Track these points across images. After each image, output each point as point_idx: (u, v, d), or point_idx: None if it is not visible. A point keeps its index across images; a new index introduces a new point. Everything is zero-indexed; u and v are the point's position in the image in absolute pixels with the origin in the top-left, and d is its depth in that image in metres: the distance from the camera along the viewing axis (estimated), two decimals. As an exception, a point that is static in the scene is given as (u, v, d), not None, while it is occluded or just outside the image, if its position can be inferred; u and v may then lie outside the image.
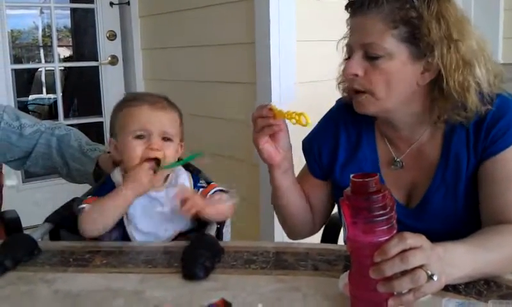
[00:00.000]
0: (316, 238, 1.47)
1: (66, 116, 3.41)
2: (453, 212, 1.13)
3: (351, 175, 0.83)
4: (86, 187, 1.40)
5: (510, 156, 1.08)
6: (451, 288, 0.90)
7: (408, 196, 1.20)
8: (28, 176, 3.20)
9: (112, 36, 3.06)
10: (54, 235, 1.30)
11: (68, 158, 1.52)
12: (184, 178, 1.28)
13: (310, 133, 1.35)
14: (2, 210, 1.82)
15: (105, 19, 3.06)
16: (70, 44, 5.09)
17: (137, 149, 1.21)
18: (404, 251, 0.79)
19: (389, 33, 1.07)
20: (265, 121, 1.15)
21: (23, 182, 3.18)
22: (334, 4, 2.36)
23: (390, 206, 0.81)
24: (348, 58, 1.15)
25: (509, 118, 1.09)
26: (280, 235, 2.23)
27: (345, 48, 1.18)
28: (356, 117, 1.21)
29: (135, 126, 1.22)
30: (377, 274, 0.79)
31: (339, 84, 1.28)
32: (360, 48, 1.10)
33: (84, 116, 3.62)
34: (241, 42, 2.34)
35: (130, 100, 1.29)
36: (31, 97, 5.81)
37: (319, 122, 1.35)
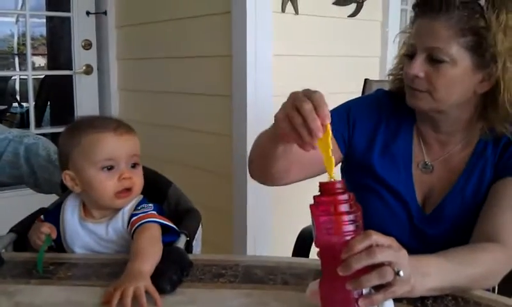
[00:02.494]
0: (287, 253, 1.47)
1: (38, 125, 3.35)
2: (467, 224, 1.13)
3: (319, 181, 0.84)
4: (54, 197, 1.37)
5: None
6: (419, 304, 0.90)
7: (424, 200, 1.21)
8: (-7, 185, 3.12)
9: (87, 46, 3.02)
10: (18, 246, 1.26)
11: (35, 167, 1.49)
12: (124, 211, 1.16)
13: (348, 102, 1.33)
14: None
15: (81, 28, 3.02)
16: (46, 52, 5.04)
17: (109, 183, 1.13)
18: (371, 246, 0.79)
19: (456, 40, 1.08)
20: (303, 131, 0.86)
21: (-12, 191, 3.10)
22: (311, 18, 2.40)
23: (356, 207, 0.82)
24: (408, 55, 1.16)
25: None
26: (253, 248, 2.23)
27: (404, 45, 1.22)
28: (397, 110, 1.25)
29: (101, 156, 1.13)
30: (345, 270, 0.79)
31: (390, 75, 1.31)
32: (424, 50, 1.12)
33: (56, 125, 3.56)
34: (218, 55, 2.34)
35: (88, 126, 1.16)
36: (3, 106, 5.73)
37: (359, 98, 1.38)
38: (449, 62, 1.09)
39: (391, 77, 1.31)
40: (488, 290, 1.02)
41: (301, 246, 1.48)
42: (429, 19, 1.11)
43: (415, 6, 1.17)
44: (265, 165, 1.16)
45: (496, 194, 1.11)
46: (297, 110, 0.85)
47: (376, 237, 0.81)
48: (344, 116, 1.30)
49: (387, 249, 0.81)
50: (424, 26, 1.13)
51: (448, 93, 1.12)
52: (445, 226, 1.17)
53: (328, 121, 0.84)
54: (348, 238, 0.80)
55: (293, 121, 0.86)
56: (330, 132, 0.85)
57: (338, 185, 0.82)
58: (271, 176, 1.20)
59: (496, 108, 1.12)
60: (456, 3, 1.08)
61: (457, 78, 1.11)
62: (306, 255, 1.46)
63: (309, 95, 0.86)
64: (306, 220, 1.37)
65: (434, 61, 1.10)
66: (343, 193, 0.82)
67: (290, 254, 1.51)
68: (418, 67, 1.12)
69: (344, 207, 0.81)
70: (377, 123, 1.28)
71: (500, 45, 1.07)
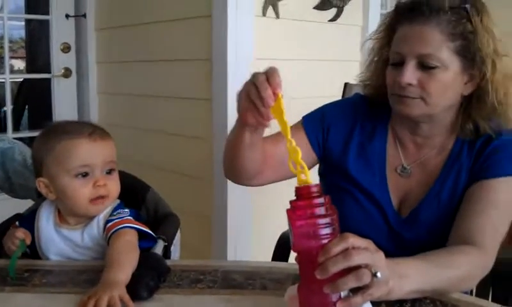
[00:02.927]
0: (268, 257, 1.46)
1: (15, 129, 3.30)
2: (443, 227, 1.13)
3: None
4: (29, 203, 1.34)
5: (498, 185, 1.10)
6: (398, 306, 0.90)
7: (400, 203, 1.21)
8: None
9: (66, 49, 2.98)
10: (-7, 252, 1.24)
11: (10, 172, 1.47)
12: (99, 217, 1.14)
13: (323, 106, 1.34)
14: None
15: (60, 31, 2.98)
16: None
17: (83, 191, 1.10)
18: (348, 249, 0.79)
19: (446, 45, 1.09)
20: (258, 101, 0.91)
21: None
22: (292, 22, 2.41)
23: (332, 210, 0.82)
24: (394, 64, 1.16)
25: (511, 151, 1.13)
26: (233, 252, 2.22)
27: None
28: (372, 112, 1.24)
29: (75, 163, 1.10)
30: (322, 273, 0.78)
31: (362, 81, 1.31)
32: (414, 57, 1.11)
33: (34, 129, 3.51)
34: (198, 58, 2.33)
35: (61, 132, 1.13)
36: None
37: (335, 102, 1.36)
38: (441, 67, 1.10)
39: (361, 84, 1.31)
40: (465, 292, 1.03)
41: (281, 250, 1.48)
42: (418, 25, 1.11)
43: (399, 13, 1.17)
44: (234, 159, 1.16)
45: (472, 198, 1.11)
46: (253, 85, 0.91)
47: (353, 240, 0.80)
48: (318, 120, 1.30)
49: (364, 251, 0.81)
50: (412, 33, 1.12)
51: (442, 98, 1.13)
52: (422, 230, 1.17)
53: (279, 89, 0.89)
54: (325, 241, 0.80)
55: (250, 95, 0.92)
56: (282, 100, 0.89)
57: (314, 189, 0.82)
58: (242, 172, 1.21)
59: (481, 107, 1.13)
60: (446, 8, 1.09)
61: (449, 82, 1.12)
62: (286, 259, 1.46)
63: (265, 70, 0.92)
64: (286, 225, 1.37)
65: (425, 67, 1.10)
66: (318, 196, 0.81)
67: (270, 258, 1.50)
68: (411, 75, 1.11)
69: (319, 210, 0.80)
70: (352, 126, 1.28)
71: (486, 48, 1.09)
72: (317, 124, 1.30)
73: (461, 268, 0.99)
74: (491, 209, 1.08)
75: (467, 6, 1.10)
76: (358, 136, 1.27)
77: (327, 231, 0.80)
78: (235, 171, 1.22)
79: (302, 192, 0.82)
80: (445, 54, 1.09)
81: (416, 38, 1.11)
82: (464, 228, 1.08)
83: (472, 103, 1.15)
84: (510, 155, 1.13)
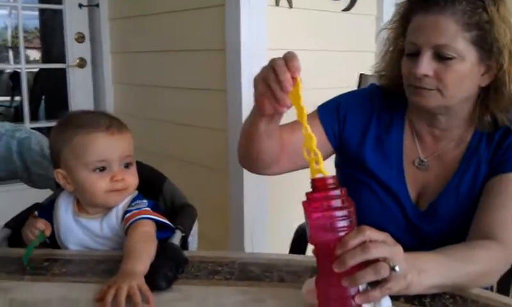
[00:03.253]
0: (284, 249, 1.46)
1: (32, 119, 3.32)
2: (462, 220, 1.13)
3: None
4: (48, 192, 1.36)
5: None
6: (417, 302, 0.89)
7: (419, 196, 1.21)
8: (-13, 180, 3.09)
9: (80, 38, 2.99)
10: (13, 241, 1.25)
11: (29, 162, 1.48)
12: (118, 207, 1.15)
13: (339, 96, 1.33)
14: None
15: (74, 21, 2.99)
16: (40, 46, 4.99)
17: (100, 184, 1.11)
18: (365, 242, 0.79)
19: (461, 35, 1.08)
20: (275, 87, 0.89)
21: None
22: (305, 12, 2.39)
23: (349, 202, 0.81)
24: (409, 55, 1.14)
25: None
26: (250, 244, 2.23)
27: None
28: (389, 103, 1.23)
29: (92, 157, 1.10)
30: (340, 266, 0.78)
31: (377, 72, 1.29)
32: (430, 48, 1.10)
33: (51, 119, 3.53)
34: (212, 48, 2.33)
35: (78, 125, 1.13)
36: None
37: (351, 92, 1.35)
38: (457, 58, 1.09)
39: (376, 75, 1.30)
40: (486, 288, 1.02)
41: (298, 243, 1.48)
42: (434, 15, 1.09)
43: (413, 2, 1.15)
44: (250, 147, 1.14)
45: (491, 191, 1.10)
46: (271, 69, 0.89)
47: (370, 232, 0.80)
48: (334, 110, 1.29)
49: (381, 244, 0.80)
50: (428, 22, 1.10)
51: (459, 89, 1.12)
52: (441, 223, 1.16)
53: (298, 74, 0.87)
54: (342, 234, 0.80)
55: (267, 79, 0.90)
56: (300, 84, 0.87)
57: (330, 181, 0.81)
58: (258, 161, 1.19)
59: (498, 99, 1.12)
60: None
61: (466, 73, 1.10)
62: (303, 252, 1.46)
63: (283, 55, 0.90)
64: (303, 216, 1.37)
65: (442, 58, 1.09)
66: (335, 189, 0.81)
67: (287, 250, 1.50)
68: (427, 66, 1.10)
69: (336, 203, 0.80)
70: (369, 117, 1.27)
71: (503, 38, 1.08)
72: (333, 114, 1.29)
73: (481, 262, 0.98)
74: (511, 203, 1.07)
75: None
76: (374, 127, 1.26)
77: (344, 223, 0.80)
78: (251, 160, 1.21)
79: (318, 184, 0.82)
80: (461, 44, 1.08)
81: (431, 28, 1.10)
82: (484, 223, 1.07)
83: (490, 94, 1.14)
84: None
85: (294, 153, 1.21)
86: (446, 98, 1.12)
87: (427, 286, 0.89)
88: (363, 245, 0.79)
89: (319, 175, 0.83)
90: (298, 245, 1.47)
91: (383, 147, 1.24)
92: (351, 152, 1.28)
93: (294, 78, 0.88)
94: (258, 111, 1.02)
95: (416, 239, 1.16)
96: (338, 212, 0.80)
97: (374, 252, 0.79)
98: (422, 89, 1.12)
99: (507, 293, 1.25)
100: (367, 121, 1.27)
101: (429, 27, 1.10)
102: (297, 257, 1.13)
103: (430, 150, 1.22)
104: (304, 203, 0.82)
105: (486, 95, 1.15)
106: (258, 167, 1.25)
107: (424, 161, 1.22)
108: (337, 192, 0.80)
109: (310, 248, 1.42)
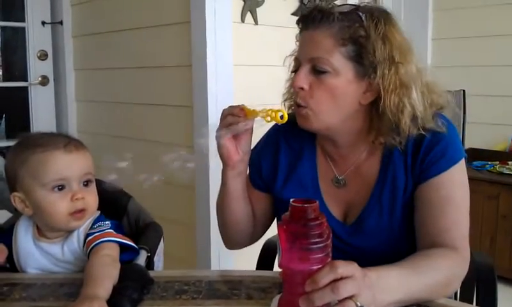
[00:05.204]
0: (251, 265, 1.45)
1: (-8, 139, 3.23)
2: (388, 231, 1.14)
3: (291, 200, 0.82)
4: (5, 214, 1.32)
5: (444, 181, 1.10)
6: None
7: (345, 213, 1.20)
8: None
9: (43, 56, 2.94)
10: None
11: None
12: (79, 230, 1.12)
13: (254, 146, 1.32)
14: None
15: (37, 38, 2.93)
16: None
17: (60, 205, 1.08)
18: (336, 280, 0.78)
19: (337, 50, 1.08)
20: (235, 119, 1.12)
21: None
22: (270, 29, 2.41)
23: (327, 235, 0.80)
24: (295, 71, 1.15)
25: (444, 144, 1.11)
26: (217, 260, 2.20)
27: (292, 63, 1.19)
28: (298, 132, 1.21)
29: (50, 176, 1.07)
30: (307, 304, 0.78)
31: (284, 101, 1.28)
32: (307, 62, 1.11)
33: (12, 138, 3.45)
34: (178, 65, 2.31)
35: (35, 144, 1.10)
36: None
37: (263, 135, 1.34)
38: (331, 72, 1.09)
39: (286, 104, 1.28)
40: (449, 297, 1.03)
41: (266, 258, 1.47)
42: (311, 30, 1.11)
43: (298, 22, 1.17)
44: (227, 219, 1.28)
45: (425, 200, 1.10)
46: (222, 121, 1.15)
47: (342, 271, 0.79)
48: (253, 165, 1.30)
49: (351, 281, 0.80)
50: (306, 37, 1.13)
51: (331, 106, 1.10)
52: (368, 237, 1.15)
53: (241, 106, 1.12)
54: (315, 267, 0.79)
55: (226, 124, 1.13)
56: (246, 107, 1.12)
57: (309, 211, 0.80)
58: (238, 231, 1.30)
59: (380, 118, 1.11)
60: (336, 14, 1.09)
61: (340, 89, 1.10)
62: (271, 267, 1.45)
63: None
64: (270, 231, 1.36)
65: (317, 72, 1.10)
66: (314, 219, 0.79)
67: (255, 265, 1.49)
68: (304, 78, 1.11)
69: (313, 236, 0.78)
70: (276, 150, 1.28)
71: (378, 54, 1.07)
72: (254, 168, 1.31)
73: (442, 271, 0.99)
74: (446, 206, 1.08)
75: (359, 12, 1.09)
76: (285, 157, 1.27)
77: (319, 255, 0.79)
78: (233, 234, 1.31)
79: (297, 213, 0.80)
80: (336, 59, 1.08)
81: (308, 42, 1.12)
82: (427, 232, 1.08)
83: (373, 113, 1.13)
84: (441, 150, 1.11)
85: (264, 219, 1.33)
86: (321, 116, 1.11)
87: (391, 302, 0.89)
88: (333, 284, 0.78)
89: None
90: (266, 259, 1.46)
91: (297, 174, 1.24)
92: (274, 193, 1.28)
93: (241, 109, 1.12)
94: (225, 166, 1.20)
95: (349, 255, 1.14)
96: (315, 246, 0.79)
97: (343, 293, 0.78)
98: (300, 108, 1.12)
99: (470, 301, 1.26)
100: (275, 152, 1.28)
101: (306, 42, 1.13)
102: (264, 273, 1.12)
103: (343, 167, 1.21)
104: (280, 228, 0.80)
105: (371, 114, 1.13)
106: (242, 238, 1.33)
107: (340, 178, 1.21)
108: (315, 223, 0.79)
109: (277, 263, 1.42)
